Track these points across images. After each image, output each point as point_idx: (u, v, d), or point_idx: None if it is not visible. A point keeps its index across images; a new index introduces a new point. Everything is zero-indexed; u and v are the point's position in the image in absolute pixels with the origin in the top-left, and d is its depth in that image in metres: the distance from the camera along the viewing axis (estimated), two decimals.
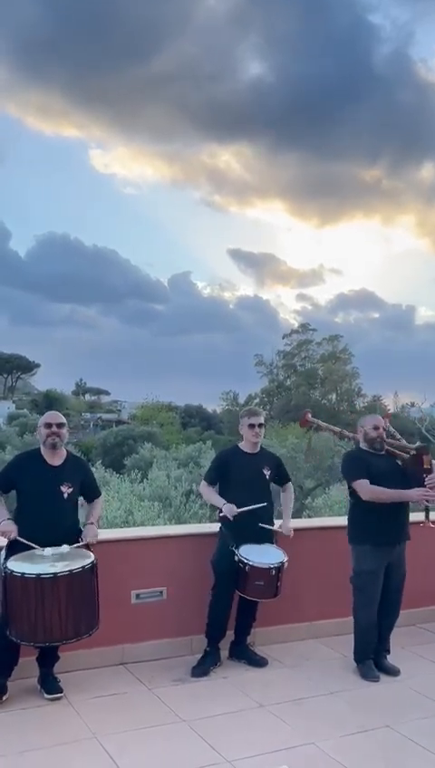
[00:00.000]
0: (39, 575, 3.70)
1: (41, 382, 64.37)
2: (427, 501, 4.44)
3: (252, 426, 4.75)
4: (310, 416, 5.29)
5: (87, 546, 4.07)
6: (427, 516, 4.55)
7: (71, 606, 3.77)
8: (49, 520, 3.99)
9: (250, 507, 4.54)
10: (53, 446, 4.12)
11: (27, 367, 65.83)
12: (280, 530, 4.76)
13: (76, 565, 3.80)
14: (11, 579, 3.75)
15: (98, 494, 4.46)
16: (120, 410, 60.70)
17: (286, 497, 4.98)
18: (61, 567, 3.76)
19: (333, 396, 49.75)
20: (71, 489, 4.11)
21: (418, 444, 4.71)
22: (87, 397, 69.86)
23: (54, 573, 3.71)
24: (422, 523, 4.53)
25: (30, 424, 35.56)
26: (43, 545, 3.93)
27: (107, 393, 70.81)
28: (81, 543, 4.05)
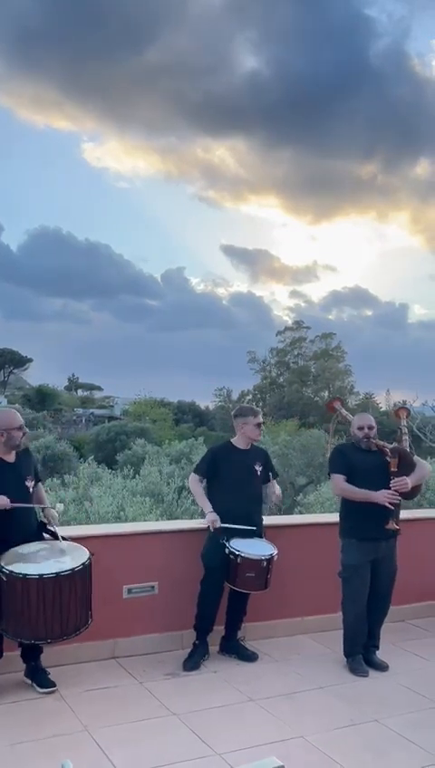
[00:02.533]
0: (42, 576, 3.73)
1: (33, 377, 64.24)
2: (390, 504, 4.49)
3: (259, 425, 4.83)
4: (338, 404, 5.35)
5: (54, 534, 4.09)
6: (390, 518, 4.53)
7: (71, 603, 3.80)
8: (23, 518, 4.01)
9: (236, 527, 4.59)
10: (18, 447, 4.12)
11: (20, 361, 65.61)
12: (271, 494, 4.87)
13: (77, 563, 3.82)
14: (11, 579, 3.75)
15: (40, 479, 4.43)
16: (112, 406, 60.62)
17: (270, 485, 4.97)
18: (59, 566, 3.79)
19: (326, 393, 49.81)
20: (33, 482, 4.14)
21: (393, 445, 4.74)
22: (79, 392, 69.74)
23: (57, 573, 3.74)
24: (387, 523, 4.52)
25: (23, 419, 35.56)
26: (18, 543, 3.94)
27: (100, 389, 70.76)
28: (53, 529, 4.09)
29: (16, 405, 46.87)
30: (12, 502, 3.95)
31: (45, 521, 4.21)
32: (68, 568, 3.79)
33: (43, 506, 4.04)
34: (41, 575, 3.74)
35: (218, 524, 4.56)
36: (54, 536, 4.11)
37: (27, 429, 4.17)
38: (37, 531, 4.09)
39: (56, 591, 3.75)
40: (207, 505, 4.67)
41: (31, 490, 4.10)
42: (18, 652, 4.14)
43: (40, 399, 50.51)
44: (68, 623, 3.82)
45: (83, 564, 3.87)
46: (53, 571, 3.76)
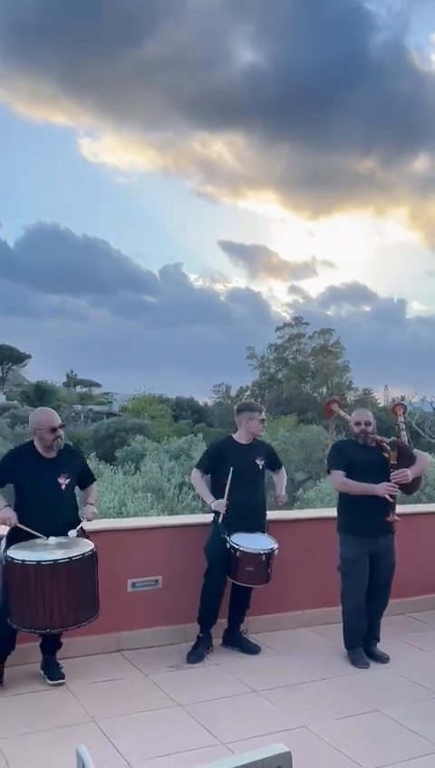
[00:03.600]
0: (39, 562, 3.78)
1: (31, 374, 64.22)
2: (390, 496, 4.56)
3: (263, 420, 4.94)
4: (335, 406, 5.40)
5: (85, 534, 4.16)
6: (390, 511, 4.62)
7: (71, 593, 3.85)
8: (49, 512, 4.07)
9: (228, 482, 4.64)
10: (53, 448, 4.19)
11: (18, 358, 65.61)
12: (277, 493, 4.98)
13: (76, 552, 3.88)
14: (11, 566, 3.83)
15: (93, 479, 4.55)
16: (111, 402, 60.63)
17: (278, 476, 5.13)
18: (60, 554, 3.84)
19: (324, 389, 49.91)
20: (68, 480, 4.20)
21: (392, 439, 4.81)
22: (78, 389, 69.74)
23: (54, 560, 3.79)
24: (387, 517, 4.62)
25: (21, 416, 35.54)
26: (45, 536, 4.02)
27: (98, 385, 70.74)
28: (81, 524, 4.16)
29: (14, 401, 46.94)
30: (41, 496, 4.08)
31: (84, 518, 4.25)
32: (67, 557, 3.82)
33: (38, 535, 4.00)
34: (38, 562, 3.76)
35: (224, 506, 4.62)
36: (85, 535, 4.18)
37: (61, 431, 4.19)
38: (63, 526, 4.11)
39: (55, 580, 3.78)
40: (209, 497, 4.75)
41: (64, 487, 4.16)
42: (38, 643, 4.23)
43: (38, 396, 50.47)
44: (68, 614, 3.86)
45: (82, 555, 3.89)
46: (52, 559, 3.79)
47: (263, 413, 4.99)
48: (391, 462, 4.61)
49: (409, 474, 4.59)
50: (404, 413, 5.24)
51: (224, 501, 4.64)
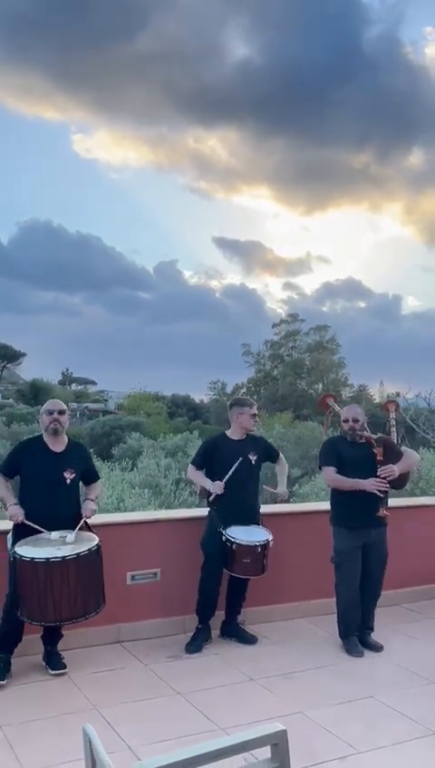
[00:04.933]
0: (48, 559, 3.88)
1: (27, 372, 64.15)
2: (378, 491, 4.67)
3: (254, 415, 5.02)
4: (331, 400, 5.49)
5: (88, 526, 4.27)
6: (379, 506, 4.73)
7: (79, 587, 3.96)
8: (52, 505, 4.18)
9: (232, 469, 4.76)
10: (55, 432, 4.31)
11: (13, 356, 65.49)
12: (277, 492, 5.05)
13: (83, 548, 3.98)
14: (21, 563, 3.93)
15: (97, 478, 4.65)
16: (106, 400, 60.66)
17: (280, 467, 5.22)
18: (68, 550, 3.94)
19: (320, 386, 50.07)
20: (73, 475, 4.30)
21: (378, 436, 4.92)
22: (73, 386, 69.71)
23: (63, 557, 3.90)
24: (377, 512, 4.73)
25: (16, 414, 35.57)
26: (48, 530, 4.12)
27: (93, 383, 70.69)
28: (82, 521, 4.25)
29: (10, 399, 46.96)
30: (46, 489, 4.19)
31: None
32: (75, 552, 3.93)
33: (41, 530, 4.12)
34: (47, 559, 3.88)
35: (222, 486, 4.73)
36: (88, 528, 4.29)
37: (61, 417, 4.31)
38: (66, 520, 4.21)
39: (64, 575, 3.90)
40: (207, 481, 4.85)
41: (69, 482, 4.27)
42: (39, 635, 4.33)
43: (34, 394, 50.46)
44: (77, 606, 3.97)
45: (89, 549, 4.00)
46: (60, 555, 3.90)
47: (254, 407, 5.06)
48: (378, 458, 4.73)
49: (395, 469, 4.70)
50: (396, 410, 5.35)
51: (221, 482, 4.74)
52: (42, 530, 4.11)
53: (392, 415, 5.24)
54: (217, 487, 4.76)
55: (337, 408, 5.30)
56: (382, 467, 4.71)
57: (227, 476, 4.76)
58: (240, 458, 4.81)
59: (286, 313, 57.36)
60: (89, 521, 4.34)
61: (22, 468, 4.29)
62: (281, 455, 5.25)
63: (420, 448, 12.97)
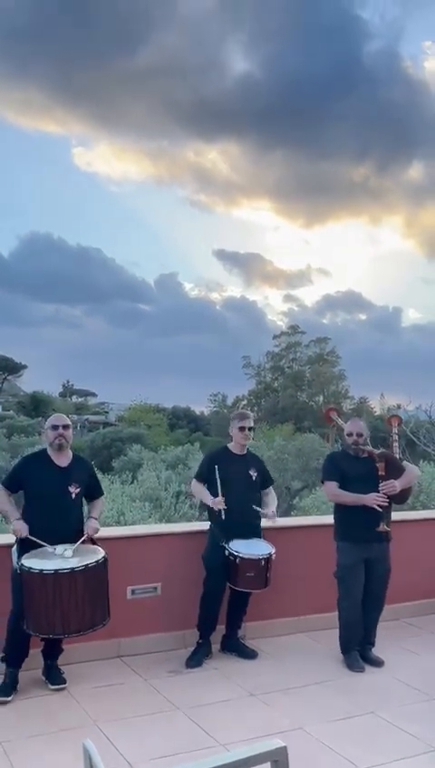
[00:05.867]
0: (57, 571, 3.89)
1: (27, 384, 64.17)
2: (379, 506, 4.67)
3: (242, 428, 4.99)
4: (334, 414, 5.48)
5: (92, 540, 4.27)
6: (380, 521, 4.73)
7: (87, 599, 3.97)
8: (57, 520, 4.18)
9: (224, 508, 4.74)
10: (60, 447, 4.32)
11: (14, 368, 65.55)
12: (265, 514, 4.95)
13: (91, 560, 3.99)
14: (28, 575, 3.93)
15: (100, 494, 4.66)
16: (107, 412, 60.65)
17: (269, 496, 5.14)
18: (76, 562, 3.95)
19: (320, 398, 50.08)
20: (78, 489, 4.31)
21: (380, 451, 4.93)
22: (74, 398, 69.71)
23: (71, 568, 3.91)
24: (377, 527, 4.72)
25: (17, 426, 35.55)
26: (52, 544, 4.12)
27: (94, 395, 70.68)
28: (83, 538, 4.25)
29: (10, 411, 46.95)
30: (51, 504, 4.19)
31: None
32: (83, 564, 3.95)
33: (45, 545, 4.11)
34: (56, 571, 3.89)
35: (223, 503, 4.72)
36: (92, 542, 4.31)
37: (65, 432, 4.32)
38: (70, 534, 4.21)
39: (72, 587, 3.90)
40: (208, 497, 4.85)
41: (73, 496, 4.28)
42: (38, 649, 4.32)
43: (34, 406, 50.49)
44: (84, 618, 3.98)
45: (97, 562, 4.01)
46: (69, 567, 3.92)
47: (243, 420, 5.01)
48: (380, 473, 4.74)
49: (396, 485, 4.71)
50: (399, 424, 5.36)
51: (221, 498, 4.74)
52: (45, 545, 4.11)
53: (395, 429, 5.25)
54: (217, 503, 4.75)
55: (340, 421, 5.31)
56: (384, 483, 4.71)
57: (219, 493, 4.75)
58: (220, 477, 4.80)
59: (287, 325, 57.46)
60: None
61: (26, 483, 4.30)
62: (272, 489, 5.19)
63: (421, 461, 12.96)
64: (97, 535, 4.48)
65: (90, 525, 4.35)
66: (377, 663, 4.87)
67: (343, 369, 51.19)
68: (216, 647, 4.96)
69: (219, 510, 4.75)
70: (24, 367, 65.61)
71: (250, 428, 5.03)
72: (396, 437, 5.16)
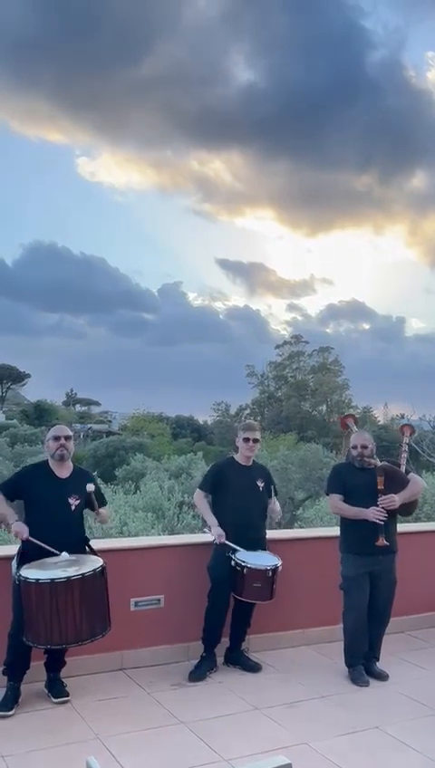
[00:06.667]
0: (53, 580, 3.87)
1: (31, 392, 64.30)
2: (379, 520, 4.65)
3: (247, 440, 4.97)
4: (351, 421, 5.42)
5: (92, 550, 4.28)
6: (379, 535, 4.68)
7: (85, 609, 3.94)
8: (57, 531, 4.17)
9: (237, 548, 4.71)
10: (61, 458, 4.32)
11: (18, 377, 65.74)
12: (271, 512, 5.02)
13: (88, 569, 3.97)
14: (25, 585, 3.92)
15: (105, 503, 4.65)
16: (110, 421, 60.65)
17: (272, 506, 5.11)
18: (73, 571, 3.94)
19: (324, 407, 50.05)
20: (78, 501, 4.30)
21: (381, 464, 4.88)
22: (77, 407, 69.77)
23: (68, 577, 3.89)
24: (377, 541, 4.67)
25: (20, 435, 35.57)
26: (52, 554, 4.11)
27: (97, 404, 70.78)
28: (97, 516, 4.38)
29: (14, 420, 46.97)
30: (51, 514, 4.19)
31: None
32: (80, 573, 3.92)
33: (49, 549, 4.10)
34: (52, 580, 3.87)
35: (224, 540, 4.71)
36: (94, 553, 4.32)
37: (67, 443, 4.34)
38: (70, 546, 4.20)
39: (69, 596, 3.88)
40: (212, 521, 4.83)
41: (73, 508, 4.28)
42: (41, 662, 4.30)
43: (38, 415, 50.53)
44: (82, 628, 3.95)
45: (94, 571, 3.98)
46: (65, 576, 3.89)
47: (247, 432, 4.98)
48: (379, 487, 4.70)
49: (396, 499, 4.68)
50: (411, 434, 5.32)
51: (223, 534, 4.73)
52: (47, 547, 4.09)
53: (407, 439, 5.21)
54: (218, 536, 4.74)
55: (355, 429, 5.26)
56: (383, 497, 4.69)
57: (230, 545, 4.72)
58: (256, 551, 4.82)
59: (290, 335, 57.60)
60: (93, 545, 4.33)
61: (26, 493, 4.29)
62: (276, 500, 5.18)
63: (424, 472, 12.91)
64: (100, 546, 4.48)
65: (102, 512, 4.46)
66: (382, 677, 4.83)
67: (346, 378, 51.28)
68: (219, 659, 4.92)
69: (215, 540, 4.74)
70: (28, 376, 65.80)
71: (255, 440, 5.01)
72: (407, 447, 5.12)
